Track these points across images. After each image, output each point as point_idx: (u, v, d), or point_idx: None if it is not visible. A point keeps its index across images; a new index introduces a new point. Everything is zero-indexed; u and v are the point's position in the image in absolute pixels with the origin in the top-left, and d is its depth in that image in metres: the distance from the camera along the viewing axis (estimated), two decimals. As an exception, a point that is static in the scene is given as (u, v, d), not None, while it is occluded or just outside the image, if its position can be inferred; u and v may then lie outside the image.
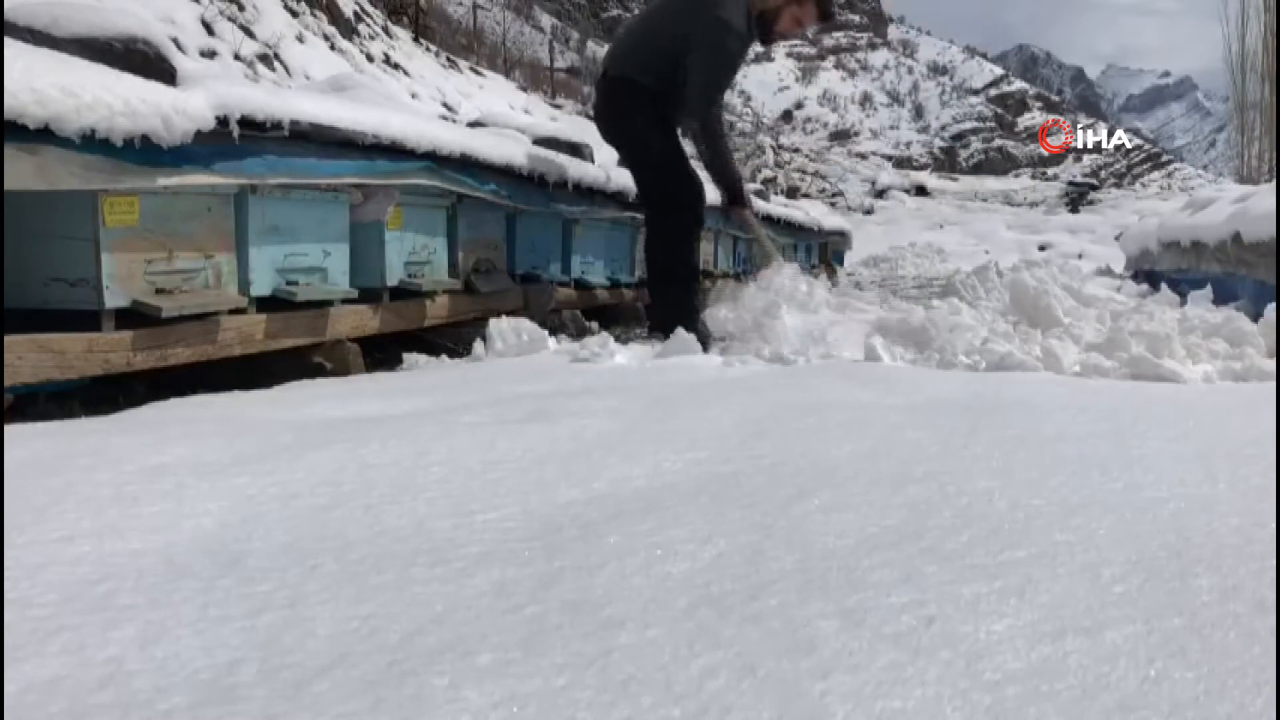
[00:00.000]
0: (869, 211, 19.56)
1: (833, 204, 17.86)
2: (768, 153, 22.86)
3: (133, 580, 0.98)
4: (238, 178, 2.52)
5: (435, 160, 3.29)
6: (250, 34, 8.93)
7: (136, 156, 2.17)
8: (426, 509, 1.23)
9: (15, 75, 1.90)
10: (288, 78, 8.71)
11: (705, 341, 3.19)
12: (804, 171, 21.70)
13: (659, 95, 3.66)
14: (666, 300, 3.66)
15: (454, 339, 3.48)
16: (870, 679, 0.77)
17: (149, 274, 2.34)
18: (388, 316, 3.25)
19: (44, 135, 1.96)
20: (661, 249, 3.75)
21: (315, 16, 10.84)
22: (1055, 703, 0.74)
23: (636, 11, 4.00)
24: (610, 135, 3.89)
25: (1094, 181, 29.86)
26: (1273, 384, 2.45)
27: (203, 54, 7.81)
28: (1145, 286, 5.42)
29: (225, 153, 2.44)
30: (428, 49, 15.08)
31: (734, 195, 4.06)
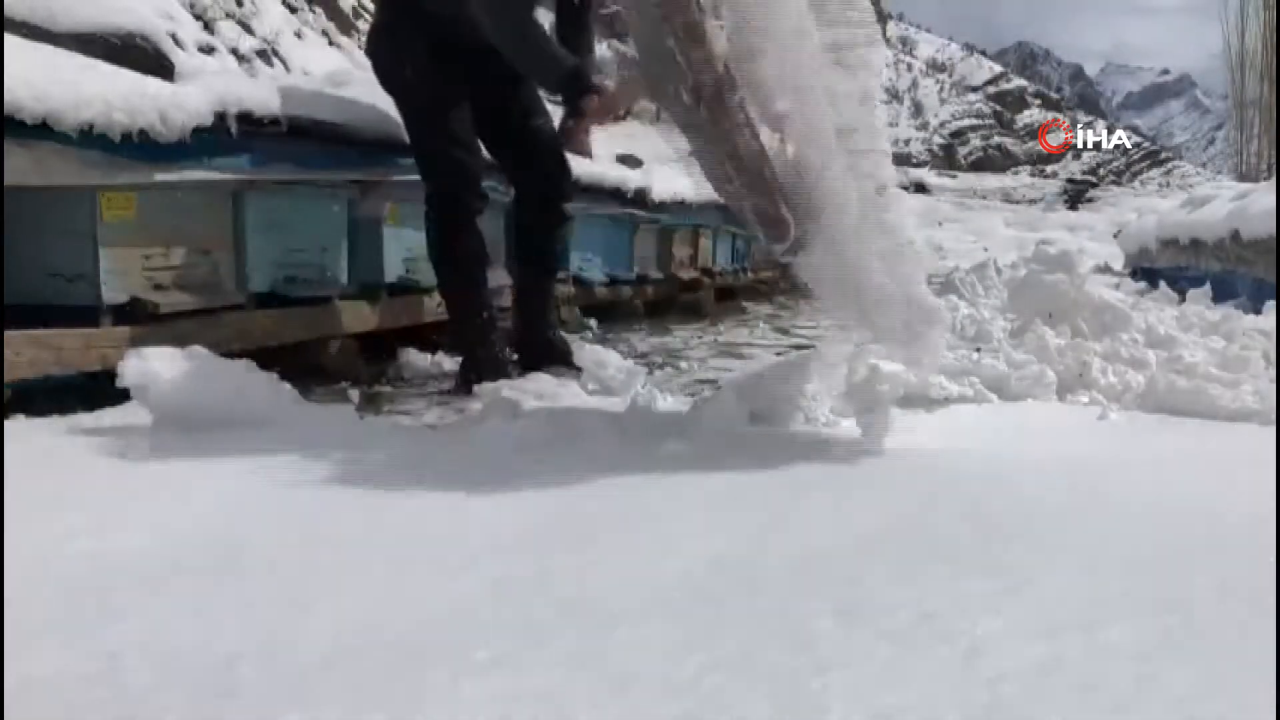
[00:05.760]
0: (868, 208, 19.49)
1: (831, 201, 17.79)
2: (767, 150, 22.84)
3: (131, 576, 0.98)
4: (236, 173, 2.51)
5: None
6: (249, 30, 8.92)
7: (134, 152, 2.17)
8: (425, 506, 1.23)
9: (13, 70, 1.90)
10: (286, 73, 8.69)
11: (480, 376, 2.33)
12: (803, 168, 21.65)
13: (436, 12, 2.51)
14: (451, 314, 2.74)
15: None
16: (868, 675, 0.77)
17: (147, 269, 2.34)
18: (386, 313, 3.24)
19: (42, 130, 1.96)
20: (429, 241, 2.70)
21: (314, 12, 10.81)
22: (1052, 700, 0.73)
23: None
24: (382, 77, 2.69)
25: (1093, 179, 29.85)
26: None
27: (201, 49, 7.78)
28: (1144, 284, 5.42)
29: (224, 148, 2.44)
30: (426, 45, 15.05)
31: (564, 80, 2.34)
